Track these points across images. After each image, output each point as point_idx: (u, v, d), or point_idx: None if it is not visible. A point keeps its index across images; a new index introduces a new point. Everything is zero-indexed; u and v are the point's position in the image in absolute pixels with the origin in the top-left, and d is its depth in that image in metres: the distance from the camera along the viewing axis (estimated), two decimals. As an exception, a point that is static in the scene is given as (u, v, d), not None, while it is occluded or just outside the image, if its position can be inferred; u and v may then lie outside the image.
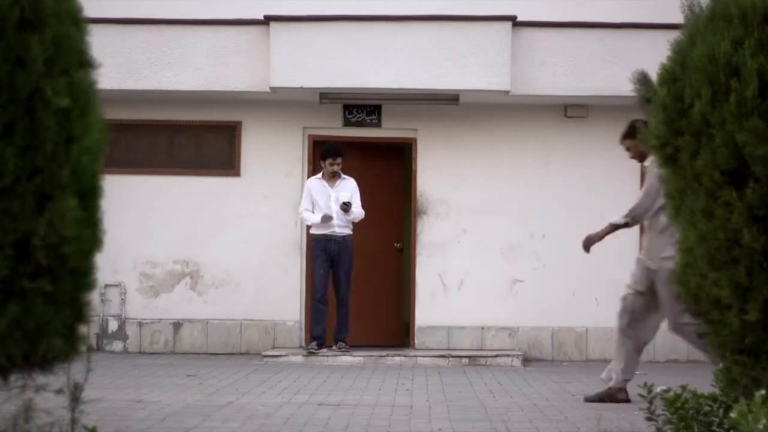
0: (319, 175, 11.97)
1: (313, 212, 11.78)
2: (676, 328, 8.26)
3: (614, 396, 8.31)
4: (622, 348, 8.38)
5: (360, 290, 12.35)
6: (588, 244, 8.91)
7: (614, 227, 8.72)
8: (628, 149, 8.83)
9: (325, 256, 11.73)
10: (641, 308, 8.40)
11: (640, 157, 8.76)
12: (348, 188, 11.86)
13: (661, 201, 8.16)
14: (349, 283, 11.84)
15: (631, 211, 8.54)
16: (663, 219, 8.21)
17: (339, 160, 11.83)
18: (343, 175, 11.92)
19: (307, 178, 12.65)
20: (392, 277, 12.98)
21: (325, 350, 11.71)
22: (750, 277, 4.90)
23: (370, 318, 12.66)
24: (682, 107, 5.17)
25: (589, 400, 8.36)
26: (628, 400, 8.23)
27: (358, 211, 11.80)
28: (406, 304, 12.92)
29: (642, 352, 8.52)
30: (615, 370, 8.39)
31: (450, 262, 12.64)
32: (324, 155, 11.90)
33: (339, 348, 11.73)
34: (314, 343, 11.72)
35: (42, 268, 4.53)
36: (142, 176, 12.77)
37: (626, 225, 8.59)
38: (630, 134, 8.68)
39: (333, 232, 11.72)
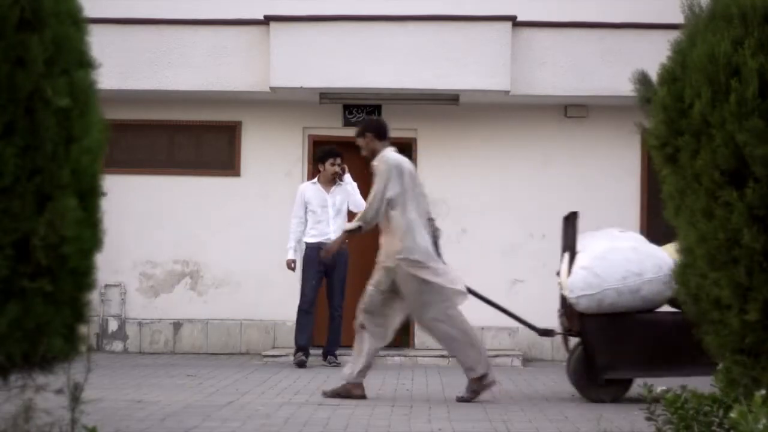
0: (314, 179, 11.52)
1: (306, 220, 11.29)
2: (423, 323, 8.56)
3: (350, 391, 8.35)
4: (362, 345, 8.40)
5: (360, 289, 12.25)
6: (327, 253, 9.47)
7: (349, 233, 8.84)
8: (360, 147, 8.85)
9: (318, 265, 11.15)
10: (382, 307, 8.43)
11: (371, 155, 8.76)
12: (344, 192, 11.37)
13: (393, 201, 8.34)
14: (343, 293, 11.37)
15: (363, 215, 8.57)
16: (394, 218, 8.34)
17: (339, 160, 11.36)
18: (346, 180, 11.41)
19: (308, 178, 12.62)
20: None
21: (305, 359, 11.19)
22: (750, 277, 4.90)
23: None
24: (682, 107, 5.17)
25: (327, 395, 8.41)
26: (364, 396, 8.26)
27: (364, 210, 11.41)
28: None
29: (378, 351, 8.55)
30: (354, 366, 8.38)
31: (450, 262, 12.61)
32: (324, 156, 11.42)
33: (330, 362, 11.25)
34: (301, 354, 11.14)
35: (42, 268, 4.53)
36: (142, 176, 12.77)
37: (359, 229, 8.59)
38: (361, 133, 8.73)
39: (328, 239, 11.02)
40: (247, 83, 12.32)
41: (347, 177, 11.44)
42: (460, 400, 8.28)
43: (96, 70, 4.87)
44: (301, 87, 12.15)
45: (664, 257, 8.28)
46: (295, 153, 12.86)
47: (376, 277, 8.51)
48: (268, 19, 12.18)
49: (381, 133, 8.70)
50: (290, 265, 11.30)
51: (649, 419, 5.24)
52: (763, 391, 4.29)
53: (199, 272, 12.79)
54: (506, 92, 12.12)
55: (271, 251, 12.42)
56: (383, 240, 8.51)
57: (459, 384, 9.61)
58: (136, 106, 12.74)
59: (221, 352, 12.62)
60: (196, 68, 12.28)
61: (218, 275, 12.78)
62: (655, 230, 12.52)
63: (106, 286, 12.51)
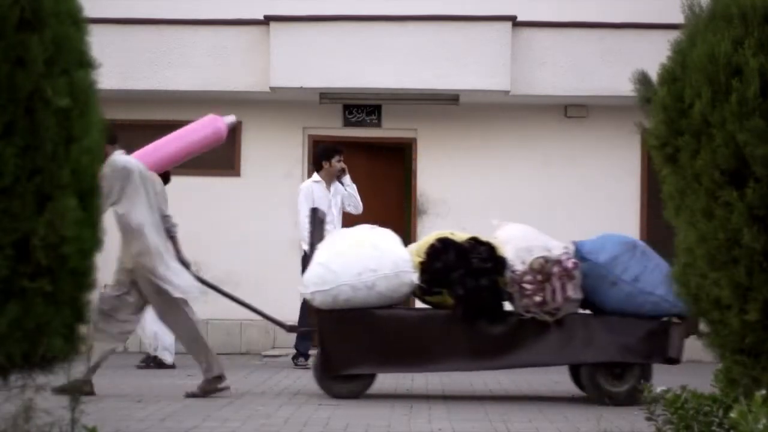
0: (316, 178, 11.19)
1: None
2: (164, 321, 8.68)
3: (80, 388, 8.31)
4: (98, 344, 8.43)
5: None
6: None
7: None
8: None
9: None
10: (118, 308, 8.46)
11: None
12: (340, 192, 11.17)
13: (121, 204, 8.39)
14: None
15: None
16: (127, 220, 8.39)
17: (342, 156, 11.12)
18: (346, 182, 11.17)
19: (308, 178, 12.60)
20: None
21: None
22: (750, 277, 4.90)
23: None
24: (682, 107, 5.17)
25: (55, 391, 8.37)
26: (92, 393, 8.13)
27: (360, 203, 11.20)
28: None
29: (112, 352, 8.53)
30: (87, 364, 8.32)
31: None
32: (329, 153, 11.10)
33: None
34: (302, 359, 11.05)
35: (42, 268, 4.53)
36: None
37: None
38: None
39: None
40: (247, 83, 12.32)
41: (347, 178, 11.28)
42: (189, 395, 8.31)
43: (96, 70, 4.87)
44: (301, 87, 12.15)
45: (402, 255, 8.31)
46: (295, 153, 12.86)
47: (116, 278, 8.56)
48: (268, 19, 12.18)
49: (110, 138, 8.66)
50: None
51: (649, 419, 5.24)
52: (763, 391, 4.29)
53: (199, 272, 12.74)
54: (506, 92, 12.12)
55: (271, 251, 12.42)
56: (121, 242, 8.52)
57: (459, 384, 9.61)
58: (136, 106, 12.74)
59: (221, 352, 12.56)
60: (196, 68, 12.28)
61: (218, 275, 12.75)
62: (655, 230, 12.53)
63: (106, 286, 12.47)
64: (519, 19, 12.18)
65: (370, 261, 8.22)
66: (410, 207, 12.86)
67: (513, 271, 8.14)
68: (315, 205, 10.85)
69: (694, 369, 10.82)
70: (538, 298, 8.09)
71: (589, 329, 8.23)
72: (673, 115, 5.22)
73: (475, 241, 8.34)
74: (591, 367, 8.25)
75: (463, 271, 8.14)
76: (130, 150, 12.46)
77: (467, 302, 8.11)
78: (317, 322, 8.41)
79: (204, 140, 10.49)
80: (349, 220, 11.25)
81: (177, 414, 7.31)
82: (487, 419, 7.29)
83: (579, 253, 8.33)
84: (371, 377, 8.50)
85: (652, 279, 8.22)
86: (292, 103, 12.74)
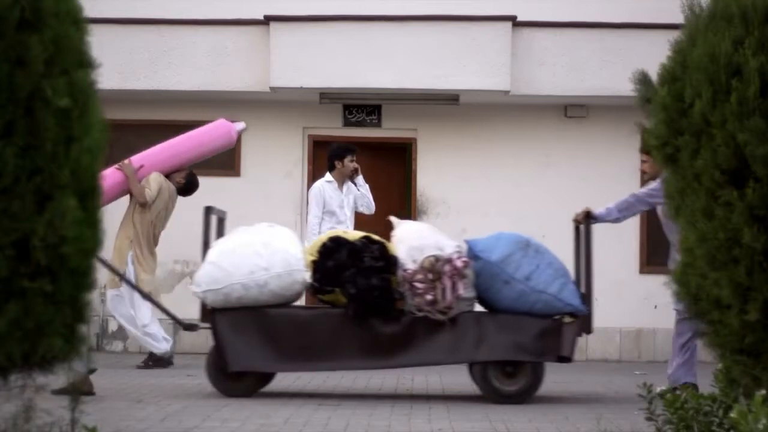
0: (328, 177, 11.08)
1: (324, 219, 10.92)
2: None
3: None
4: None
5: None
6: None
7: None
8: None
9: None
10: None
11: None
12: (352, 192, 11.13)
13: None
14: None
15: None
16: None
17: (354, 156, 11.06)
18: (359, 182, 11.14)
19: (308, 178, 12.62)
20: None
21: None
22: (750, 277, 4.90)
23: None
24: (683, 107, 5.17)
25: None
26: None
27: (372, 204, 11.19)
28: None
29: None
30: None
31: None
32: (342, 153, 11.01)
33: None
34: None
35: (42, 268, 4.53)
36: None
37: None
38: None
39: None
40: (247, 83, 12.32)
41: (360, 178, 11.23)
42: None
43: (96, 70, 4.86)
44: (301, 87, 12.15)
45: (294, 253, 8.30)
46: (295, 153, 12.86)
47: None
48: (268, 19, 12.18)
49: None
50: None
51: (649, 419, 5.24)
52: (763, 391, 4.28)
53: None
54: (506, 92, 12.12)
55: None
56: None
57: (459, 384, 9.61)
58: (136, 106, 12.74)
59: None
60: (196, 68, 12.28)
61: (218, 275, 12.76)
62: (655, 230, 12.53)
63: (106, 286, 12.50)
64: (519, 19, 12.18)
65: (262, 259, 8.21)
66: (410, 207, 12.86)
67: (405, 270, 8.13)
68: (327, 206, 10.93)
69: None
70: (429, 297, 8.09)
71: (481, 328, 8.22)
72: (673, 114, 5.22)
73: (367, 240, 8.36)
74: (482, 366, 8.24)
75: (354, 270, 8.15)
76: (133, 149, 12.48)
77: (358, 301, 8.12)
78: (210, 320, 8.41)
79: (214, 144, 10.56)
80: (356, 219, 11.27)
81: (177, 414, 7.31)
82: (487, 419, 7.29)
83: (472, 252, 8.31)
84: (267, 376, 8.52)
85: (545, 277, 8.24)
86: (292, 103, 12.74)
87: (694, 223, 5.10)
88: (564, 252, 12.62)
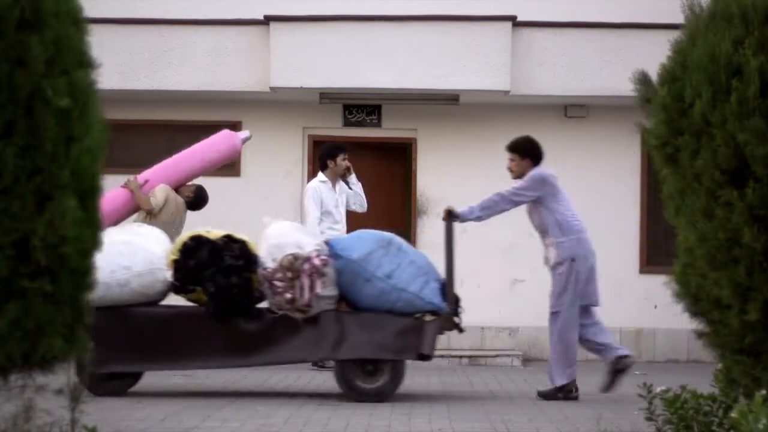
0: (322, 177, 11.00)
1: (321, 220, 10.84)
2: None
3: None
4: None
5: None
6: None
7: None
8: None
9: None
10: None
11: None
12: (345, 190, 11.06)
13: None
14: None
15: None
16: None
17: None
18: (352, 180, 11.07)
19: (308, 178, 12.60)
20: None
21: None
22: (750, 277, 4.90)
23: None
24: (683, 107, 5.17)
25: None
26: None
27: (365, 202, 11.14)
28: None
29: None
30: None
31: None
32: (334, 152, 10.93)
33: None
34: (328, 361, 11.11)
35: (42, 268, 4.53)
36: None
37: None
38: None
39: None
40: (247, 83, 12.32)
41: (353, 177, 11.21)
42: None
43: (96, 70, 4.86)
44: (301, 87, 12.15)
45: (156, 252, 8.34)
46: (295, 153, 12.86)
47: None
48: (268, 19, 12.18)
49: None
50: None
51: (649, 419, 5.24)
52: (763, 391, 4.29)
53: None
54: (506, 92, 12.12)
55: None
56: None
57: (459, 384, 9.62)
58: (136, 106, 12.74)
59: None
60: (196, 68, 12.28)
61: (218, 275, 12.76)
62: (655, 230, 12.54)
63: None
64: (519, 19, 12.18)
65: (123, 258, 8.21)
66: (410, 207, 12.86)
67: (264, 269, 8.14)
68: (324, 206, 10.85)
69: (694, 369, 10.85)
70: (288, 296, 8.10)
71: (342, 326, 8.24)
72: (673, 114, 5.22)
73: (228, 239, 8.38)
74: (342, 364, 8.25)
75: (214, 269, 8.16)
76: (133, 149, 12.49)
77: (218, 300, 8.15)
78: None
79: (220, 156, 10.61)
80: (352, 219, 11.26)
81: (177, 414, 7.31)
82: (487, 419, 7.29)
83: (333, 250, 8.32)
84: (134, 376, 8.51)
85: (406, 276, 8.26)
86: (292, 103, 12.74)
87: (694, 223, 5.10)
88: (564, 252, 12.67)
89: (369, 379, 8.23)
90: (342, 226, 11.03)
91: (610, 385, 8.62)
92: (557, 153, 12.84)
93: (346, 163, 11.00)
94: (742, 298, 4.93)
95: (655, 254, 12.58)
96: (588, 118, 12.84)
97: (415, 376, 10.26)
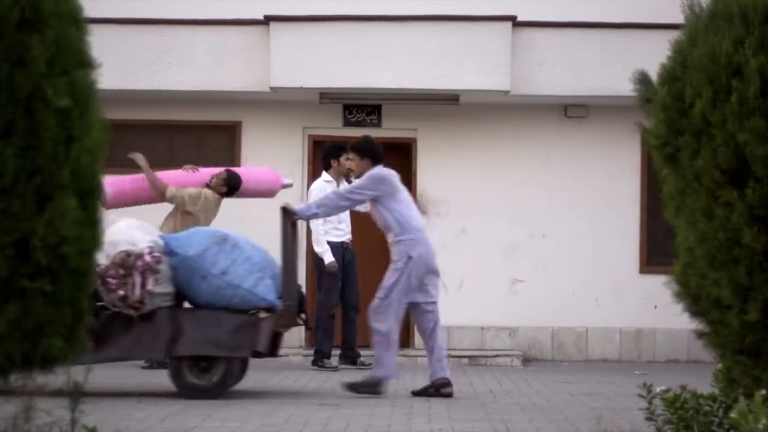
0: (326, 177, 11.06)
1: (325, 220, 10.76)
2: None
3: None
4: None
5: (362, 291, 12.18)
6: None
7: None
8: None
9: (340, 265, 10.88)
10: None
11: None
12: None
13: None
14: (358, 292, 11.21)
15: None
16: None
17: (353, 155, 10.84)
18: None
19: (308, 178, 12.61)
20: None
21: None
22: (750, 277, 4.90)
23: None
24: (683, 107, 5.17)
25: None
26: None
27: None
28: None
29: None
30: None
31: (450, 262, 12.58)
32: (337, 151, 10.95)
33: (362, 365, 10.92)
34: (329, 361, 10.98)
35: (42, 268, 4.53)
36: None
37: None
38: None
39: (348, 238, 11.02)
40: (247, 83, 12.32)
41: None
42: None
43: (96, 70, 4.87)
44: (301, 87, 12.15)
45: None
46: (295, 153, 12.86)
47: None
48: (268, 19, 12.18)
49: None
50: (336, 268, 10.86)
51: (649, 419, 5.24)
52: (764, 391, 4.29)
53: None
54: (506, 92, 12.12)
55: (271, 251, 12.36)
56: None
57: (459, 384, 9.61)
58: (136, 106, 12.73)
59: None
60: (196, 68, 12.28)
61: (218, 275, 12.76)
62: (655, 230, 12.54)
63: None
64: (519, 19, 12.18)
65: None
66: (410, 207, 12.84)
67: (98, 266, 8.12)
68: None
69: (694, 369, 10.85)
70: (120, 293, 8.14)
71: (178, 323, 8.27)
72: (673, 114, 5.22)
73: None
74: (177, 361, 8.28)
75: None
76: (133, 149, 12.47)
77: None
78: None
79: (257, 190, 10.81)
80: (356, 219, 11.26)
81: (177, 414, 7.31)
82: (487, 419, 7.29)
83: (169, 247, 8.37)
84: None
85: (241, 272, 8.31)
86: (292, 103, 12.74)
87: (694, 223, 5.10)
88: (564, 252, 12.68)
89: (203, 375, 8.29)
90: (346, 225, 11.05)
91: (353, 387, 8.63)
92: (557, 153, 12.87)
93: (349, 162, 10.99)
94: (742, 298, 4.93)
95: (655, 254, 12.58)
96: (588, 118, 12.84)
97: (416, 376, 10.27)
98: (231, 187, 10.85)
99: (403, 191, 8.82)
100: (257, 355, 8.35)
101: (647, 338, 12.65)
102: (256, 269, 8.37)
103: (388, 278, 8.67)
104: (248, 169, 11.15)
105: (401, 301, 8.59)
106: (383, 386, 8.56)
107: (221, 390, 8.26)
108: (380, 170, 8.77)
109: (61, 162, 4.57)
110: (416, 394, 8.60)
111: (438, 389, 8.58)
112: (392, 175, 8.82)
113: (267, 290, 8.34)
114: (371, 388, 8.53)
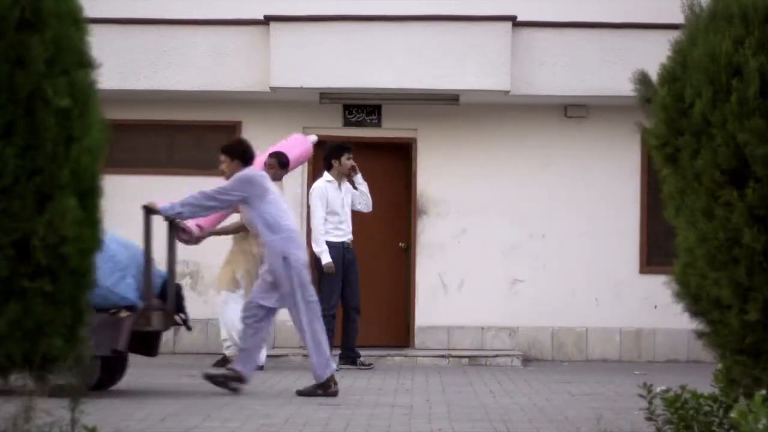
0: (328, 177, 11.05)
1: (326, 220, 10.89)
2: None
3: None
4: None
5: (362, 291, 12.18)
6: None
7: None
8: None
9: (340, 265, 10.89)
10: None
11: None
12: (350, 189, 11.16)
13: None
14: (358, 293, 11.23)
15: None
16: None
17: (350, 154, 11.05)
18: (358, 180, 11.14)
19: (308, 178, 12.62)
20: (396, 276, 12.87)
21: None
22: (750, 277, 4.90)
23: (374, 318, 12.58)
24: (683, 107, 5.17)
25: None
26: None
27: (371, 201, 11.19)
28: (407, 303, 12.86)
29: None
30: None
31: (450, 262, 12.63)
32: (339, 152, 11.01)
33: (362, 365, 10.99)
34: (360, 360, 11.06)
35: (42, 268, 4.53)
36: (142, 176, 12.75)
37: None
38: None
39: (349, 239, 11.02)
40: (247, 83, 12.32)
41: (359, 176, 11.17)
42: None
43: (96, 70, 4.87)
44: (301, 87, 12.15)
45: None
46: (295, 153, 12.84)
47: None
48: (268, 19, 12.18)
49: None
50: (333, 268, 10.85)
51: (649, 419, 5.24)
52: (763, 391, 4.29)
53: (199, 272, 12.79)
54: (506, 92, 12.12)
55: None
56: None
57: (459, 383, 9.62)
58: (136, 106, 12.73)
59: (221, 352, 12.60)
60: (196, 68, 12.27)
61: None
62: (655, 230, 12.54)
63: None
64: (519, 19, 12.18)
65: None
66: (410, 207, 12.85)
67: None
68: (329, 206, 10.88)
69: (694, 369, 10.85)
70: None
71: None
72: (673, 114, 5.22)
73: None
74: None
75: None
76: (133, 149, 12.47)
77: None
78: None
79: (299, 157, 10.95)
80: (355, 219, 11.27)
81: (177, 414, 7.31)
82: (487, 419, 7.29)
83: None
84: None
85: (103, 271, 8.23)
86: (292, 103, 12.74)
87: (694, 223, 5.10)
88: (564, 252, 12.68)
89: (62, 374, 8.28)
90: (347, 225, 11.06)
91: (212, 378, 8.71)
92: (557, 153, 12.86)
93: (351, 162, 11.04)
94: (742, 298, 4.93)
95: (655, 254, 12.58)
96: (588, 118, 12.84)
97: (416, 376, 10.27)
98: (282, 164, 10.85)
99: (274, 192, 8.78)
100: (116, 353, 8.34)
101: (647, 338, 12.65)
102: (118, 268, 8.36)
103: (273, 283, 8.62)
104: (283, 144, 11.18)
105: (305, 298, 8.54)
106: (244, 382, 8.60)
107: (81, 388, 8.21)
108: (248, 172, 8.74)
109: (61, 162, 4.57)
110: (301, 394, 8.58)
111: (325, 389, 8.57)
112: (261, 177, 8.82)
113: (128, 289, 8.36)
114: (227, 382, 8.57)
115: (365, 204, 11.17)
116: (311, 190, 11.21)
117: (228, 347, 10.77)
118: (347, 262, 11.05)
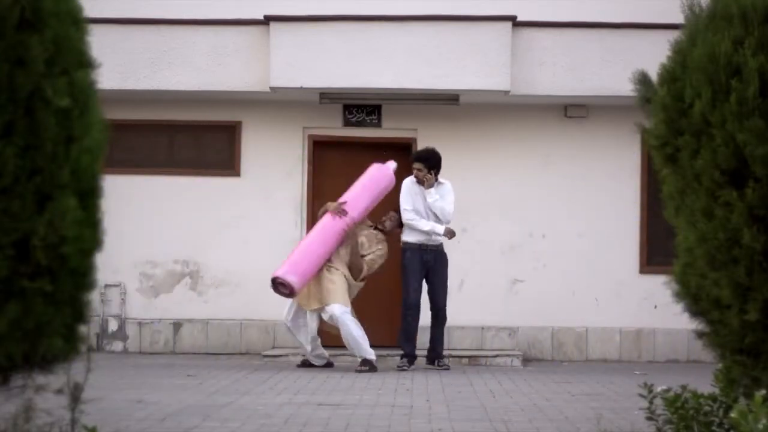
0: (414, 179, 11.24)
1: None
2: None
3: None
4: None
5: (364, 290, 12.19)
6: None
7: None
8: None
9: (421, 266, 11.01)
10: None
11: None
12: (439, 193, 11.18)
13: None
14: (446, 295, 11.19)
15: None
16: None
17: (419, 165, 11.07)
18: (440, 180, 11.20)
19: (308, 178, 12.69)
20: (397, 276, 12.82)
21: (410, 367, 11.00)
22: (750, 277, 4.90)
23: (374, 318, 12.57)
24: (683, 107, 5.17)
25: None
26: None
27: (447, 212, 11.23)
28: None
29: None
30: None
31: (450, 262, 12.59)
32: (439, 163, 11.21)
33: (440, 366, 11.01)
34: (405, 361, 10.98)
35: (42, 268, 4.53)
36: (142, 176, 12.76)
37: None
38: None
39: (429, 240, 11.06)
40: (247, 83, 12.32)
41: (432, 190, 11.16)
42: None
43: (96, 70, 4.87)
44: (301, 87, 12.15)
45: None
46: (295, 153, 12.86)
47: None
48: (268, 19, 12.17)
49: None
50: (453, 232, 11.14)
51: (649, 419, 5.24)
52: (763, 391, 4.29)
53: (199, 272, 12.79)
54: (506, 92, 12.11)
55: (271, 251, 12.41)
56: None
57: (460, 383, 9.61)
58: (136, 106, 12.74)
59: (221, 352, 12.62)
60: (196, 68, 12.27)
61: (218, 275, 12.78)
62: (655, 230, 12.54)
63: (106, 286, 12.50)
64: (519, 19, 12.17)
65: None
66: (410, 207, 12.84)
67: None
68: (413, 204, 11.15)
69: (694, 369, 10.85)
70: None
71: None
72: (673, 114, 5.22)
73: None
74: None
75: None
76: (129, 149, 12.45)
77: None
78: None
79: (384, 191, 11.28)
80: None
81: (177, 414, 7.31)
82: (487, 419, 7.29)
83: None
84: None
85: None
86: (292, 103, 12.74)
87: (694, 223, 5.10)
88: (564, 252, 12.67)
89: None
90: (425, 225, 11.13)
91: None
92: (557, 153, 12.86)
93: (416, 172, 11.16)
94: (742, 298, 4.93)
95: (655, 254, 12.58)
96: (588, 118, 12.84)
97: (416, 376, 10.27)
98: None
99: None
100: None
101: (647, 338, 12.65)
102: None
103: None
104: (366, 183, 11.33)
105: None
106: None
107: None
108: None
109: (61, 162, 4.57)
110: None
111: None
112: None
113: None
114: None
115: (438, 208, 11.18)
116: (402, 185, 11.35)
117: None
118: (426, 264, 11.09)
